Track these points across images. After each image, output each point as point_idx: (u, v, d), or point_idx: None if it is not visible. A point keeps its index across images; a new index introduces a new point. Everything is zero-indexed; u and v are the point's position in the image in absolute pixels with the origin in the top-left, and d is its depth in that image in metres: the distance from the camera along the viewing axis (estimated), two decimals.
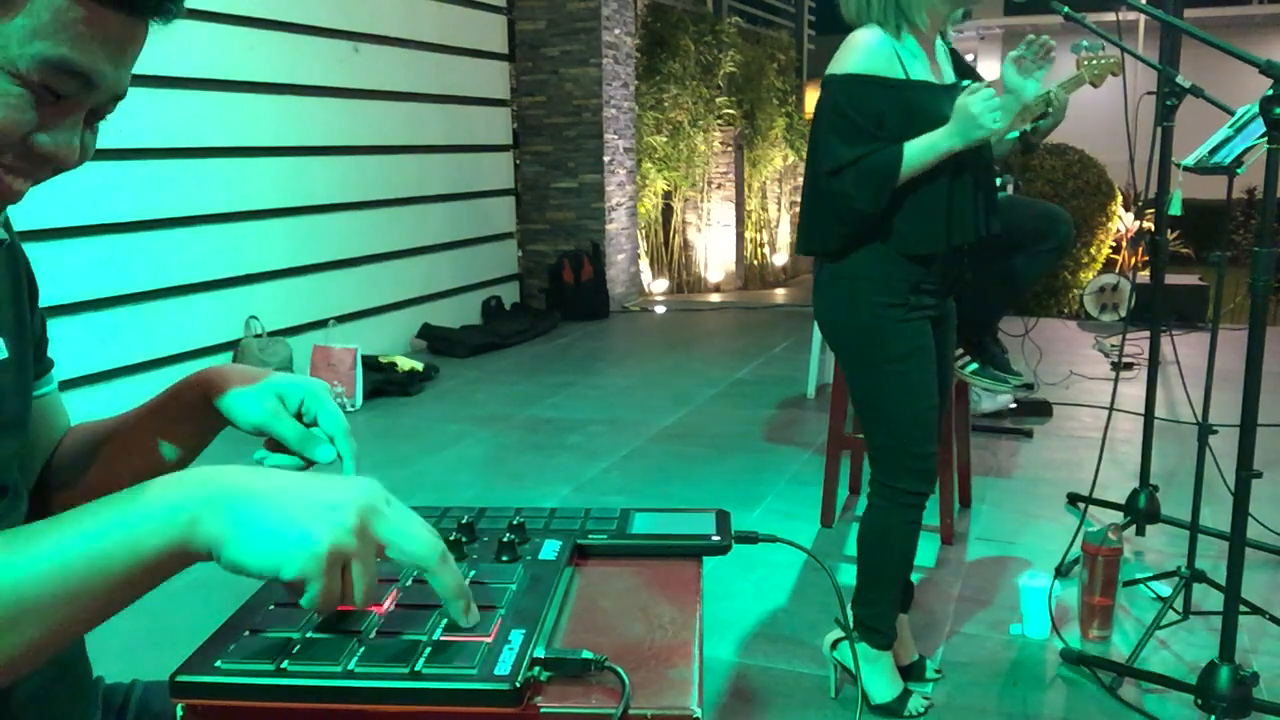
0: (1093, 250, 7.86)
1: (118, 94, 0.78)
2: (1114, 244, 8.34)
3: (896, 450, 2.16)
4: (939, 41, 2.19)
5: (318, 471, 0.80)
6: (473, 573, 0.87)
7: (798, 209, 13.53)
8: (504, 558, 0.91)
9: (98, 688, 1.04)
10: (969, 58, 2.94)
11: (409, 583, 0.86)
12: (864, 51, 2.03)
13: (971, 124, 1.95)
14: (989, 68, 14.21)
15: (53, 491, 1.01)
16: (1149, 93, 2.76)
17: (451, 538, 0.92)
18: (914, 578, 2.40)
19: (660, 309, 7.95)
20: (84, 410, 1.10)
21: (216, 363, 4.87)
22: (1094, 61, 2.40)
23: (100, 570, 0.68)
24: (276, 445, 0.94)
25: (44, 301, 0.99)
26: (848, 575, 2.94)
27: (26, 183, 0.77)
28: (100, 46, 0.73)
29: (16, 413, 0.89)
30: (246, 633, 0.78)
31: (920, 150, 2.00)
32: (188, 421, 0.98)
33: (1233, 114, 2.63)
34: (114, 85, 0.76)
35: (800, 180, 12.21)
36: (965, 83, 2.14)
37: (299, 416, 0.93)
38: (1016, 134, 2.24)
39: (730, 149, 10.19)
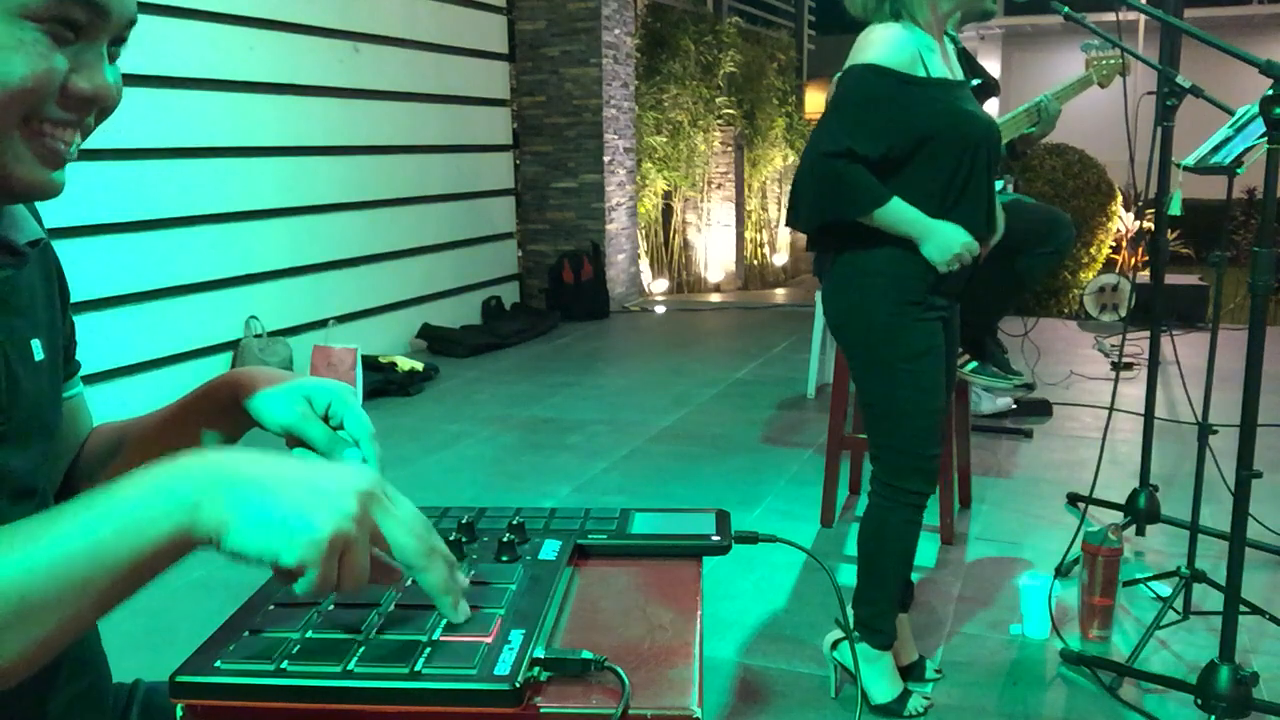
0: (1093, 250, 7.85)
1: (130, 17, 0.77)
2: (1114, 244, 8.34)
3: (901, 450, 2.16)
4: (947, 42, 2.19)
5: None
6: (472, 572, 0.87)
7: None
8: (504, 558, 0.91)
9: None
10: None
11: (409, 582, 0.86)
12: (887, 45, 2.03)
13: (948, 247, 2.04)
14: (989, 68, 14.16)
15: (78, 493, 1.01)
16: (1149, 93, 2.75)
17: (451, 538, 0.92)
18: (914, 577, 2.40)
19: (660, 309, 7.95)
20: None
21: (216, 363, 4.82)
22: (1102, 62, 2.40)
23: (102, 562, 0.66)
24: (298, 444, 0.93)
25: None
26: (848, 575, 2.94)
27: (73, 133, 0.78)
28: None
29: (49, 417, 0.90)
30: (246, 633, 0.78)
31: (897, 215, 2.03)
32: (214, 422, 0.98)
33: (1233, 114, 2.63)
34: (123, 6, 0.76)
35: None
36: (975, 81, 2.14)
37: (326, 419, 0.93)
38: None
39: (730, 149, 10.19)
